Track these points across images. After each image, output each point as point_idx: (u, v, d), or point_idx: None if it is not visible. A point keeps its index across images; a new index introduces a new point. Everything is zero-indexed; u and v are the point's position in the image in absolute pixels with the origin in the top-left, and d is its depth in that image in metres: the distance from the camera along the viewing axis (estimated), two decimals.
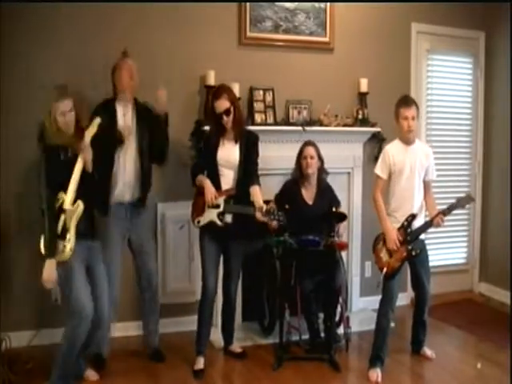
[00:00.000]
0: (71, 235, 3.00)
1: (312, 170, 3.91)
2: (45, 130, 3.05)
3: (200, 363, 3.57)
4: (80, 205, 3.03)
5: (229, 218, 3.54)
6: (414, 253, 3.51)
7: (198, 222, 3.55)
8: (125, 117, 3.54)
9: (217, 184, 3.53)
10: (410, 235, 3.53)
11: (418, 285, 3.68)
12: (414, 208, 3.58)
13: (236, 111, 3.53)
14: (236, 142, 3.56)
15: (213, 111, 3.52)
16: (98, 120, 3.18)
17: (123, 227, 3.58)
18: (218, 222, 3.49)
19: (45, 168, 3.01)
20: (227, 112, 3.47)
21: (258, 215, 3.42)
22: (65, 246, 2.98)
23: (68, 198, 3.01)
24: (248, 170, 3.57)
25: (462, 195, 3.64)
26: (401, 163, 3.57)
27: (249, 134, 3.66)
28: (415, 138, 3.65)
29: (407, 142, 3.61)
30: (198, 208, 3.57)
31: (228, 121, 3.49)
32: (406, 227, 3.54)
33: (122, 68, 3.54)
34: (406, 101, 3.60)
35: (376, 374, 3.50)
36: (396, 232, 3.53)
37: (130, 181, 3.54)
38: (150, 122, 3.60)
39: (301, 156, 3.94)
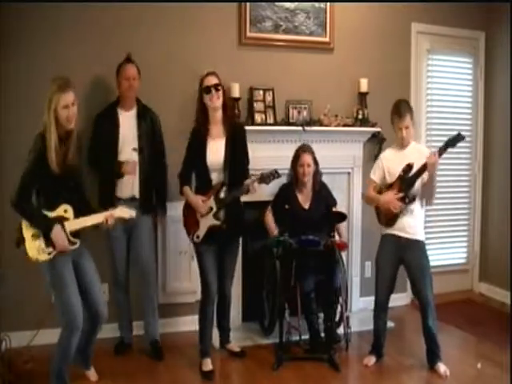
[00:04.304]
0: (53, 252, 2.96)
1: (309, 177, 3.95)
2: (45, 142, 2.86)
3: (208, 364, 3.54)
4: (77, 244, 3.01)
5: (222, 214, 3.48)
6: (407, 200, 3.48)
7: (198, 236, 3.48)
8: (126, 122, 3.63)
9: (207, 187, 3.48)
10: (405, 183, 3.48)
11: (416, 289, 3.61)
12: (414, 212, 3.53)
13: (225, 97, 3.50)
14: (224, 135, 3.48)
15: (201, 90, 3.46)
16: (133, 213, 3.18)
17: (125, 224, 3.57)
18: (217, 223, 3.45)
19: (32, 174, 2.91)
20: (216, 86, 3.43)
21: (254, 186, 3.40)
22: (49, 254, 2.94)
23: (72, 226, 2.97)
24: (239, 171, 3.49)
25: (453, 134, 3.46)
26: (394, 169, 3.56)
27: (236, 126, 3.62)
28: (409, 141, 3.61)
29: (401, 146, 3.62)
30: (192, 224, 3.50)
31: (216, 96, 3.42)
32: (402, 177, 3.50)
33: (125, 73, 3.62)
34: (400, 112, 3.50)
35: (369, 359, 3.71)
36: (390, 194, 3.49)
37: (131, 181, 3.62)
38: (151, 122, 3.72)
39: (297, 163, 3.95)
